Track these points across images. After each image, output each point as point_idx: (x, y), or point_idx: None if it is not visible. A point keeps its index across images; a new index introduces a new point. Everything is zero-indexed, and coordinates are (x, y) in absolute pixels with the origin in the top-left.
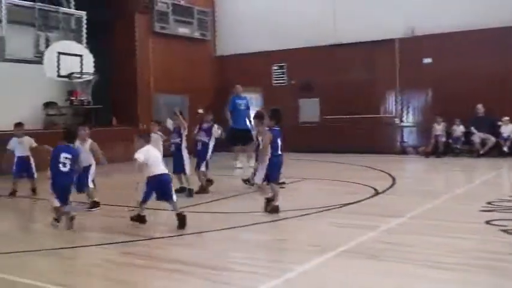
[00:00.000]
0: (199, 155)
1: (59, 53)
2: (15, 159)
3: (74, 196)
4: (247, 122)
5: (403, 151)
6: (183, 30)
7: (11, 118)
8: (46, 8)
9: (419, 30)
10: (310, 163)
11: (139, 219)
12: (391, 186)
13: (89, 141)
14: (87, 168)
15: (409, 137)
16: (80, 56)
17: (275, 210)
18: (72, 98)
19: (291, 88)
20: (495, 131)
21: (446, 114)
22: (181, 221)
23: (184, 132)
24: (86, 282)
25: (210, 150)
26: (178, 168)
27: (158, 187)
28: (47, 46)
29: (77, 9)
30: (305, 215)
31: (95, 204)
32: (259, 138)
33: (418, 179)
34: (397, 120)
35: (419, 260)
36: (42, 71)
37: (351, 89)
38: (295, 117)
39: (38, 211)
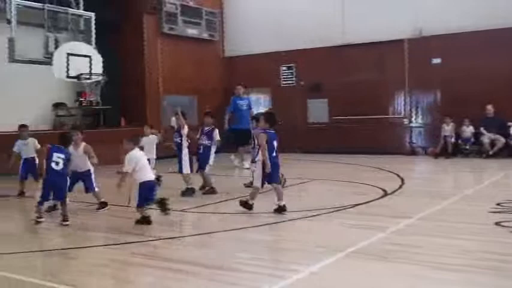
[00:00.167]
0: (200, 158)
1: (68, 54)
2: (22, 161)
3: (82, 197)
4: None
5: (412, 152)
6: (191, 31)
7: (20, 119)
8: (55, 9)
9: (428, 31)
10: (318, 164)
11: (144, 220)
12: (399, 187)
13: (82, 144)
14: (87, 173)
15: (418, 138)
16: (89, 56)
17: (282, 209)
18: (81, 99)
19: (299, 89)
20: (505, 132)
21: (456, 114)
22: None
23: (183, 132)
24: (94, 283)
25: (212, 155)
26: (180, 168)
27: (147, 192)
28: (56, 47)
29: (85, 10)
30: (313, 215)
31: (103, 205)
32: (256, 140)
33: (427, 180)
34: (406, 121)
35: (428, 262)
36: (52, 71)
37: (360, 90)
38: (303, 117)
39: (44, 212)
